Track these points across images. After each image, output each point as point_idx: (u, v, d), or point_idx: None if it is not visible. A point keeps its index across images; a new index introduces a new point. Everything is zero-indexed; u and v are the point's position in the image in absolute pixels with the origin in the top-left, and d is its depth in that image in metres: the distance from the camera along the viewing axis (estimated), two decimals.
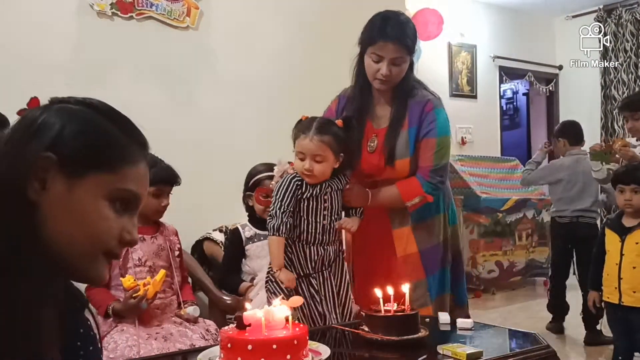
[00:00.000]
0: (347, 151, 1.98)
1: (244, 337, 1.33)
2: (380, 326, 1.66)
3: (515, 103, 7.41)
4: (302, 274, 1.99)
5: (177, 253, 2.22)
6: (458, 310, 2.23)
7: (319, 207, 1.98)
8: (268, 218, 1.96)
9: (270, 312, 1.39)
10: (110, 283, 2.05)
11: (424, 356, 1.54)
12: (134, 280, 1.92)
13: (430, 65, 5.67)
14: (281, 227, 1.92)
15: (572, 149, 3.93)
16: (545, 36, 6.43)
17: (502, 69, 6.09)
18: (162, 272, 1.98)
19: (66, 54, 2.66)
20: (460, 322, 1.86)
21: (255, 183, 2.45)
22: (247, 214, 2.56)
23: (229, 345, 1.35)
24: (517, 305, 4.52)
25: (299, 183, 1.96)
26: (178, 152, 2.84)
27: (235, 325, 1.40)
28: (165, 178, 2.10)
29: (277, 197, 1.95)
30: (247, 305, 1.49)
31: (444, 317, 1.91)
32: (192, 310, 2.12)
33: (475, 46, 5.94)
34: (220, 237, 2.75)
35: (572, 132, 4.02)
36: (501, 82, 6.20)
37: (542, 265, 5.37)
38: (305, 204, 1.96)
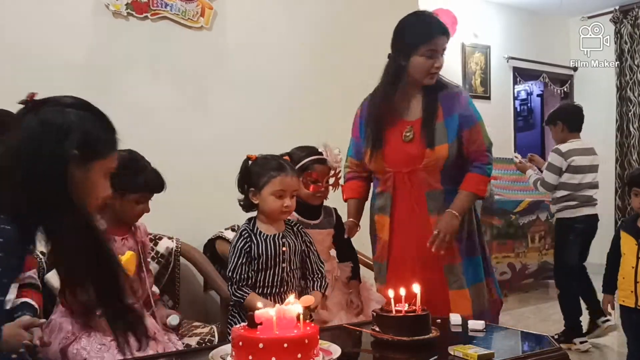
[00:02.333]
0: None
1: (255, 336, 1.34)
2: (392, 326, 1.66)
3: (529, 104, 7.37)
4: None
5: (147, 256, 2.10)
6: (495, 302, 2.35)
7: (276, 257, 2.00)
8: (230, 287, 1.99)
9: (282, 311, 1.40)
10: None
11: (435, 357, 1.54)
12: None
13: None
14: (243, 289, 1.96)
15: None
16: (560, 37, 6.38)
17: (516, 69, 6.05)
18: (128, 252, 1.84)
19: (81, 53, 2.69)
20: (472, 323, 1.85)
21: (302, 168, 2.26)
22: None
23: (240, 343, 1.35)
24: (530, 308, 4.49)
25: (246, 241, 1.99)
26: (191, 151, 2.86)
27: (246, 323, 1.41)
28: (152, 186, 2.00)
29: (230, 268, 1.98)
30: (259, 304, 1.49)
31: (455, 318, 1.91)
32: (171, 319, 2.05)
33: (489, 47, 5.91)
34: (232, 235, 2.76)
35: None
36: (515, 83, 6.16)
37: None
38: (262, 260, 1.98)
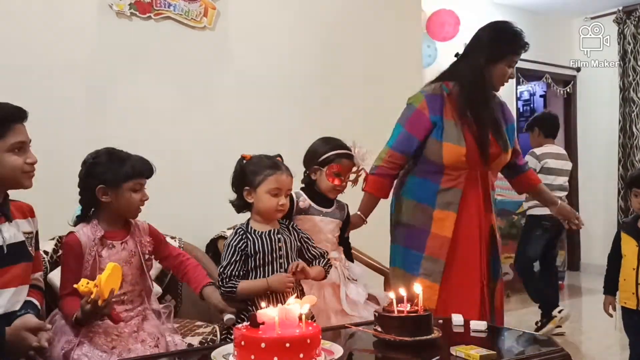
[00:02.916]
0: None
1: (257, 335, 1.34)
2: (394, 326, 1.66)
3: (532, 105, 7.35)
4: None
5: (147, 257, 2.05)
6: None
7: (273, 253, 2.01)
8: (220, 282, 1.99)
9: (284, 311, 1.40)
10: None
11: (437, 357, 1.54)
12: (87, 283, 1.74)
13: (447, 66, 5.65)
14: (233, 281, 1.96)
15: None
16: (563, 38, 6.38)
17: (518, 70, 6.04)
18: (109, 265, 1.77)
19: (85, 53, 2.69)
20: (474, 324, 1.85)
21: (328, 159, 2.30)
22: (302, 185, 2.40)
23: (242, 343, 1.36)
24: (532, 309, 4.48)
25: (242, 238, 1.99)
26: (194, 151, 2.87)
27: (248, 323, 1.41)
28: (143, 170, 1.96)
29: (222, 265, 1.99)
30: (262, 303, 1.50)
31: (457, 318, 1.91)
32: (226, 319, 2.01)
33: None
34: None
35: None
36: (518, 83, 6.16)
37: (558, 269, 5.31)
38: (259, 256, 1.99)
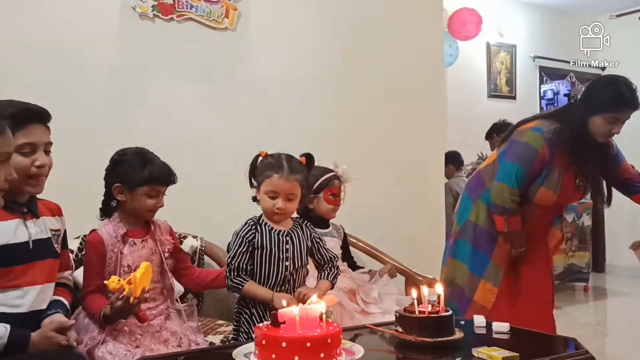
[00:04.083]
0: (306, 187, 2.04)
1: (278, 334, 1.35)
2: (415, 327, 1.65)
3: (556, 104, 7.25)
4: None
5: (167, 255, 2.07)
6: None
7: (279, 254, 1.95)
8: (226, 278, 1.95)
9: (305, 310, 1.40)
10: (104, 288, 1.90)
11: (459, 359, 1.53)
12: (119, 280, 1.77)
13: (468, 65, 5.61)
14: (242, 276, 1.92)
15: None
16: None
17: (542, 69, 5.98)
18: (143, 264, 1.80)
19: (108, 54, 2.72)
20: (496, 325, 1.83)
21: (322, 185, 2.44)
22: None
23: (263, 341, 1.36)
24: (555, 311, 4.42)
25: (251, 229, 1.95)
26: (215, 151, 2.89)
27: (270, 322, 1.42)
28: (160, 178, 1.97)
29: (230, 255, 1.95)
30: (283, 302, 1.50)
31: (479, 319, 1.89)
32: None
33: (515, 46, 5.85)
34: None
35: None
36: (541, 82, 6.09)
37: (582, 270, 5.26)
38: (266, 251, 1.94)
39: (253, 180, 2.00)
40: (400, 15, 3.48)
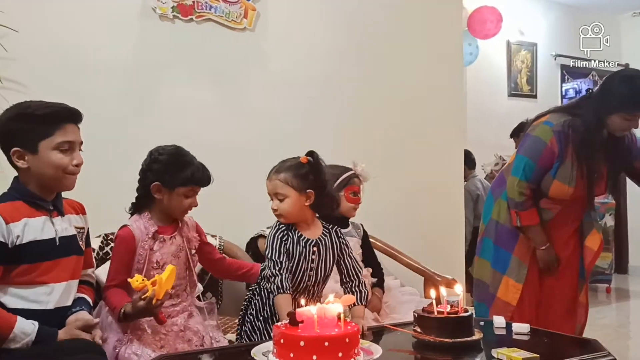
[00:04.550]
0: (317, 187, 1.93)
1: (296, 334, 1.35)
2: (433, 327, 1.64)
3: None
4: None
5: (193, 252, 2.09)
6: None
7: (304, 264, 1.92)
8: (267, 280, 1.88)
9: (323, 310, 1.40)
10: (127, 283, 1.88)
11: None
12: (142, 279, 1.79)
13: (488, 64, 5.57)
14: (284, 284, 1.83)
15: None
16: (609, 34, 6.20)
17: (564, 67, 5.90)
18: (169, 267, 1.83)
19: (129, 55, 2.75)
20: (516, 326, 1.82)
21: (342, 183, 2.43)
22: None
23: (281, 340, 1.37)
24: None
25: (284, 232, 1.92)
26: (233, 150, 2.90)
27: (288, 321, 1.42)
28: (201, 179, 2.01)
29: (269, 254, 1.90)
30: (302, 300, 1.51)
31: (499, 320, 1.88)
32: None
33: (536, 44, 5.79)
34: None
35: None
36: (563, 81, 6.02)
37: (605, 271, 5.19)
38: (293, 260, 1.90)
39: None
40: (419, 14, 3.46)
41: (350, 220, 2.56)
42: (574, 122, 2.35)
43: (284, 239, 1.92)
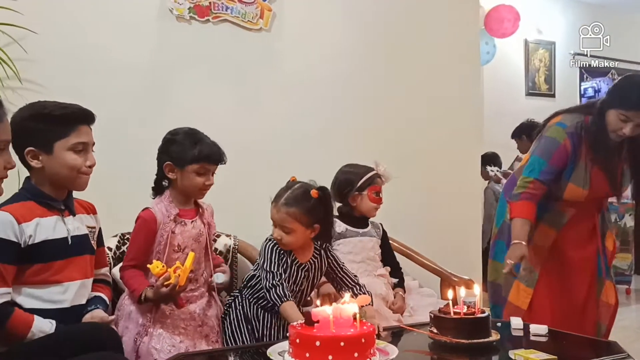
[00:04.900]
0: (323, 221, 1.98)
1: (312, 333, 1.35)
2: (450, 328, 1.64)
3: None
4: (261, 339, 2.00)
5: (213, 237, 2.15)
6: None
7: (293, 286, 1.98)
8: (267, 290, 1.93)
9: (339, 310, 1.40)
10: (144, 265, 1.96)
11: None
12: (163, 266, 1.84)
13: (506, 63, 5.52)
14: (285, 292, 1.89)
15: None
16: (629, 32, 6.11)
17: (583, 66, 5.84)
18: (191, 254, 1.88)
19: (145, 56, 2.77)
20: (534, 327, 1.80)
21: (365, 183, 2.45)
22: (337, 213, 2.49)
23: (297, 340, 1.37)
24: None
25: (281, 250, 1.98)
26: (249, 150, 2.91)
27: (303, 321, 1.42)
28: (210, 156, 2.01)
29: (267, 266, 1.95)
30: (317, 301, 1.51)
31: (516, 321, 1.86)
32: (215, 277, 2.03)
33: (554, 43, 5.73)
34: None
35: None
36: (582, 80, 5.95)
37: (625, 272, 5.12)
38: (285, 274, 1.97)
39: None
40: (435, 13, 3.44)
41: (370, 220, 2.55)
42: (585, 122, 2.35)
43: (280, 253, 1.98)
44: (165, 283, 1.81)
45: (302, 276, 2.01)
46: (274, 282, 1.91)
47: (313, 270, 2.03)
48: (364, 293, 2.02)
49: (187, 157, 1.98)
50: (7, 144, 1.54)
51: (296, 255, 2.00)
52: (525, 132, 4.51)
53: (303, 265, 2.01)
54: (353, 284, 2.07)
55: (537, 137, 2.49)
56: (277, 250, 1.98)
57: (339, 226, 2.45)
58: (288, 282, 1.96)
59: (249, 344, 1.98)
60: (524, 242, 2.24)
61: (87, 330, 1.69)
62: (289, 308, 1.86)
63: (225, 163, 2.08)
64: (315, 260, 2.04)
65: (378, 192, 2.47)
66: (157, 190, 2.08)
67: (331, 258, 2.09)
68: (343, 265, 2.11)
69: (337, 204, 2.50)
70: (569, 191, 2.37)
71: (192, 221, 2.05)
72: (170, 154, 2.00)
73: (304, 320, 1.54)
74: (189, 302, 1.99)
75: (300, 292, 2.04)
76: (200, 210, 2.11)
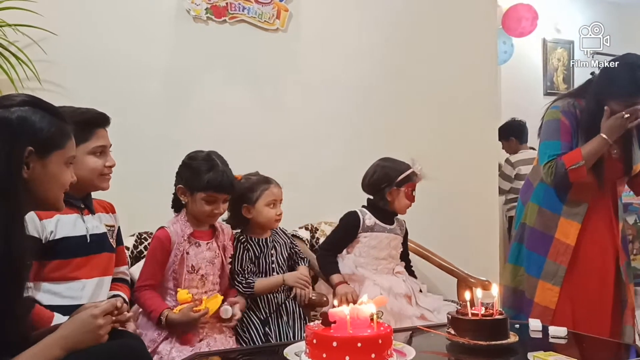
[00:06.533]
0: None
1: (329, 334, 1.35)
2: (468, 330, 1.63)
3: None
4: (261, 317, 2.16)
5: (229, 260, 2.15)
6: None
7: (268, 261, 2.22)
8: (236, 281, 2.17)
9: (356, 311, 1.40)
10: (160, 286, 2.02)
11: None
12: (188, 293, 1.92)
13: (524, 62, 5.47)
14: (251, 280, 2.16)
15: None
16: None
17: (598, 64, 5.76)
18: (219, 297, 1.99)
19: (163, 57, 2.79)
20: (553, 329, 1.78)
21: (404, 180, 2.41)
22: (366, 204, 2.51)
23: (314, 341, 1.37)
24: None
25: (247, 245, 2.21)
26: (266, 151, 2.91)
27: (320, 321, 1.42)
28: (218, 186, 2.00)
29: (238, 265, 2.18)
30: (335, 302, 1.50)
31: (535, 323, 1.84)
32: (224, 311, 2.01)
33: (573, 42, 5.66)
34: (306, 234, 2.79)
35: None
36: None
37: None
38: (258, 262, 2.20)
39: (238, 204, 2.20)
40: (453, 13, 3.42)
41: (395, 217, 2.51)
42: (578, 103, 2.36)
43: (247, 249, 2.23)
44: (195, 309, 1.89)
45: (271, 247, 2.26)
46: (238, 273, 2.18)
47: (278, 244, 2.30)
48: (304, 261, 2.33)
49: (196, 185, 2.00)
50: (73, 159, 1.45)
51: (258, 237, 2.26)
52: (513, 133, 4.48)
53: (269, 239, 2.28)
54: (299, 259, 2.37)
55: (539, 132, 2.48)
56: (243, 246, 2.22)
57: (369, 219, 2.42)
58: (264, 257, 2.24)
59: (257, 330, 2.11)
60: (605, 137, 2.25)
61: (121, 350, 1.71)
62: (261, 282, 2.16)
63: (234, 193, 2.10)
64: (277, 234, 2.33)
65: (414, 189, 2.45)
66: (176, 207, 2.11)
67: (290, 238, 2.40)
68: (296, 247, 2.40)
69: (369, 196, 2.49)
70: (572, 173, 2.28)
71: (208, 243, 2.07)
72: (184, 178, 2.04)
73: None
74: (204, 322, 1.99)
75: (277, 264, 2.26)
76: (217, 232, 2.11)
